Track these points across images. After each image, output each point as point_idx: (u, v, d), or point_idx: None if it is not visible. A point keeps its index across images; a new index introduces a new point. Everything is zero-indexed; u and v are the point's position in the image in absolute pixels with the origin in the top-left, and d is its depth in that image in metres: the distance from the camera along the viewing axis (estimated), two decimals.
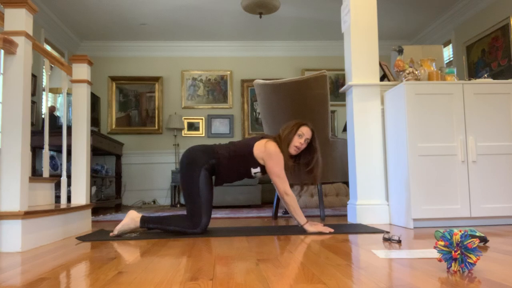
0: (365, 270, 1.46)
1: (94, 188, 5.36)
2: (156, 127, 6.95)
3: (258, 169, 2.71)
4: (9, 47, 2.18)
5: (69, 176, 4.52)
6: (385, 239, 2.19)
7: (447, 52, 6.38)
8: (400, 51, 3.34)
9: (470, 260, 1.39)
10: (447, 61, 6.34)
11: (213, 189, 2.69)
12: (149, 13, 5.86)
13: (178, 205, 6.39)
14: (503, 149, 2.91)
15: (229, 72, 7.12)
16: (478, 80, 3.02)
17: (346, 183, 3.77)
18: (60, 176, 4.55)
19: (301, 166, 2.82)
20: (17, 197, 2.15)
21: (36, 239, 2.25)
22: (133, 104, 6.99)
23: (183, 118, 6.91)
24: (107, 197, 6.27)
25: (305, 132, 2.74)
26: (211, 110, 7.06)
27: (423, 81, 3.10)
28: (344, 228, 2.84)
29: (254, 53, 7.18)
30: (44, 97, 5.64)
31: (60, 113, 5.80)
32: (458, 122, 2.91)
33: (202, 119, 7.00)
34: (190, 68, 7.10)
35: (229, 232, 2.70)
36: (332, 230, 2.61)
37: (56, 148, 5.11)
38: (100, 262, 1.74)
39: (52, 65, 3.14)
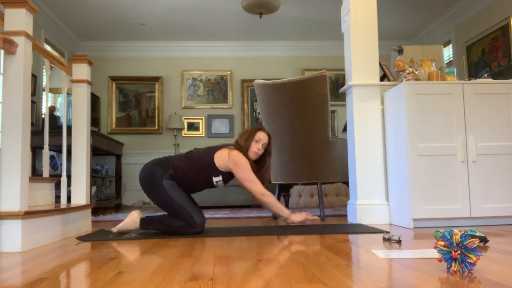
0: (365, 270, 1.46)
1: (94, 188, 5.36)
2: (156, 127, 6.95)
3: (219, 178, 2.71)
4: (9, 47, 2.18)
5: (69, 176, 4.52)
6: (385, 239, 2.19)
7: (447, 52, 6.38)
8: (400, 51, 3.34)
9: (470, 260, 1.39)
10: (447, 61, 6.34)
11: (182, 189, 2.68)
12: (149, 13, 5.86)
13: None
14: (503, 149, 2.91)
15: (229, 72, 7.11)
16: (478, 80, 3.02)
17: (346, 183, 3.77)
18: (60, 176, 4.55)
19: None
20: (17, 197, 2.15)
21: (36, 239, 2.25)
22: (133, 104, 6.99)
23: (183, 118, 6.91)
24: (107, 197, 6.27)
25: (262, 137, 2.78)
26: (211, 110, 7.06)
27: (423, 81, 3.10)
28: (344, 228, 2.84)
29: (254, 53, 7.18)
30: (44, 97, 5.64)
31: (60, 113, 5.80)
32: (458, 122, 2.91)
33: (202, 119, 7.00)
34: (190, 68, 7.10)
35: (229, 232, 2.70)
36: (317, 218, 2.66)
37: (56, 148, 5.11)
38: (100, 262, 1.74)
39: (52, 65, 3.14)
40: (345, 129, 6.07)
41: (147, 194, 2.69)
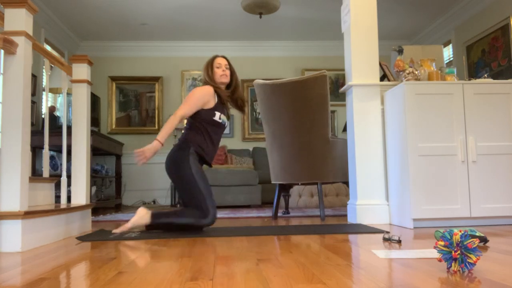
0: (365, 270, 1.46)
1: (94, 188, 5.36)
2: (156, 127, 6.95)
3: (217, 114, 2.86)
4: (9, 47, 2.18)
5: (69, 176, 4.52)
6: (385, 239, 2.19)
7: (447, 52, 6.38)
8: (400, 51, 3.34)
9: (470, 260, 1.39)
10: (447, 61, 6.34)
11: (206, 177, 2.81)
12: (149, 13, 5.86)
13: (178, 205, 6.38)
14: (503, 149, 2.91)
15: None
16: (478, 80, 3.02)
17: (346, 183, 3.77)
18: (60, 176, 4.55)
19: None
20: (17, 197, 2.15)
21: (36, 239, 2.25)
22: (133, 104, 6.99)
23: None
24: (107, 197, 6.27)
25: (220, 62, 2.95)
26: None
27: (423, 81, 3.10)
28: (344, 228, 2.84)
29: (254, 53, 7.18)
30: (44, 97, 5.64)
31: (60, 113, 5.80)
32: (458, 122, 2.91)
33: None
34: (190, 68, 7.10)
35: (229, 232, 2.70)
36: (145, 161, 2.66)
37: (56, 148, 5.11)
38: (100, 262, 1.74)
39: (52, 65, 3.14)
40: (345, 129, 6.07)
41: (172, 177, 2.81)
